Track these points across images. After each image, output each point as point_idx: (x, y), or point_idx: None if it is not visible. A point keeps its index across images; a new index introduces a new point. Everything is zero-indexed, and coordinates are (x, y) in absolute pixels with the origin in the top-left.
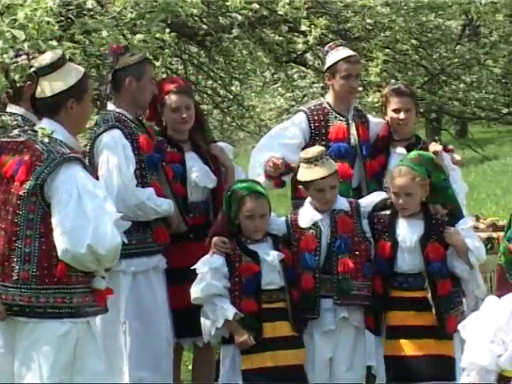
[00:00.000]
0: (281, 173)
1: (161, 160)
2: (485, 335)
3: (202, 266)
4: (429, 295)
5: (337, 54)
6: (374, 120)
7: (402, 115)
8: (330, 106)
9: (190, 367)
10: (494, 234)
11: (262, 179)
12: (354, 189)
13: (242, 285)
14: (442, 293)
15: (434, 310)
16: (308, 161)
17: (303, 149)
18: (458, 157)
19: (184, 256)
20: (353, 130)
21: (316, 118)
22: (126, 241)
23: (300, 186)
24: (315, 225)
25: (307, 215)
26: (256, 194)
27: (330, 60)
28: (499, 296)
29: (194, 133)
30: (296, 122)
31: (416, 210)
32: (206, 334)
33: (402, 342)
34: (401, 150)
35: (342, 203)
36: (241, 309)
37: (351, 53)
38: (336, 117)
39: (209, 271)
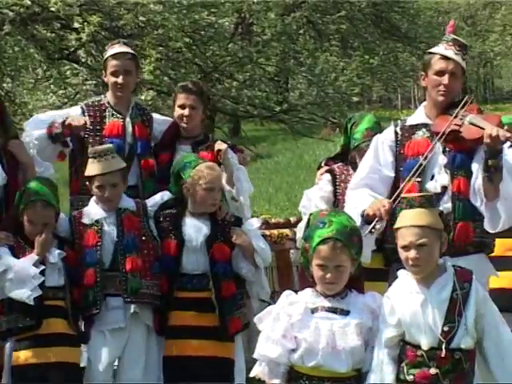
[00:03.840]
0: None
1: None
2: (278, 329)
3: None
4: (213, 296)
5: (110, 50)
6: (160, 118)
7: (186, 112)
8: (108, 102)
9: None
10: (267, 232)
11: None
12: (130, 186)
13: None
14: (226, 294)
15: (217, 311)
16: (93, 156)
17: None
18: (248, 157)
19: None
20: (129, 128)
21: (92, 113)
22: None
23: (87, 183)
24: (98, 221)
25: (91, 212)
26: (43, 202)
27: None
28: (301, 289)
29: None
30: (71, 115)
31: None
32: None
33: (183, 342)
34: (186, 147)
35: (129, 202)
36: None
37: (121, 50)
38: (113, 114)
39: None
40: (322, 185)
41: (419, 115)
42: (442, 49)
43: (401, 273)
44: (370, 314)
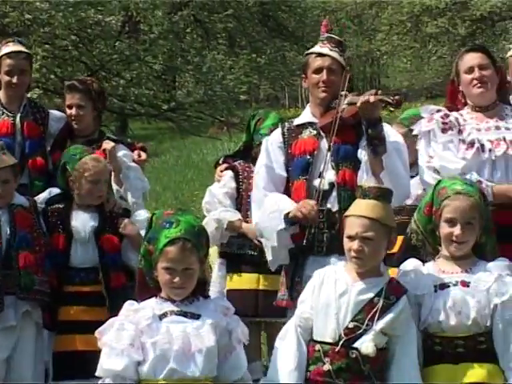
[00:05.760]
0: None
1: None
2: (124, 339)
3: None
4: (103, 288)
5: (4, 49)
6: (57, 116)
7: (73, 111)
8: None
9: None
10: None
11: None
12: (22, 185)
13: None
14: (115, 285)
15: (107, 304)
16: None
17: None
18: (144, 156)
19: None
20: (19, 127)
21: None
22: None
23: None
24: None
25: None
26: None
27: None
28: (141, 300)
29: None
30: None
31: None
32: None
33: (72, 337)
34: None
35: (21, 199)
36: None
37: (16, 49)
38: (3, 112)
39: None
40: (226, 181)
41: (305, 115)
42: (317, 48)
43: (339, 263)
44: (223, 314)
